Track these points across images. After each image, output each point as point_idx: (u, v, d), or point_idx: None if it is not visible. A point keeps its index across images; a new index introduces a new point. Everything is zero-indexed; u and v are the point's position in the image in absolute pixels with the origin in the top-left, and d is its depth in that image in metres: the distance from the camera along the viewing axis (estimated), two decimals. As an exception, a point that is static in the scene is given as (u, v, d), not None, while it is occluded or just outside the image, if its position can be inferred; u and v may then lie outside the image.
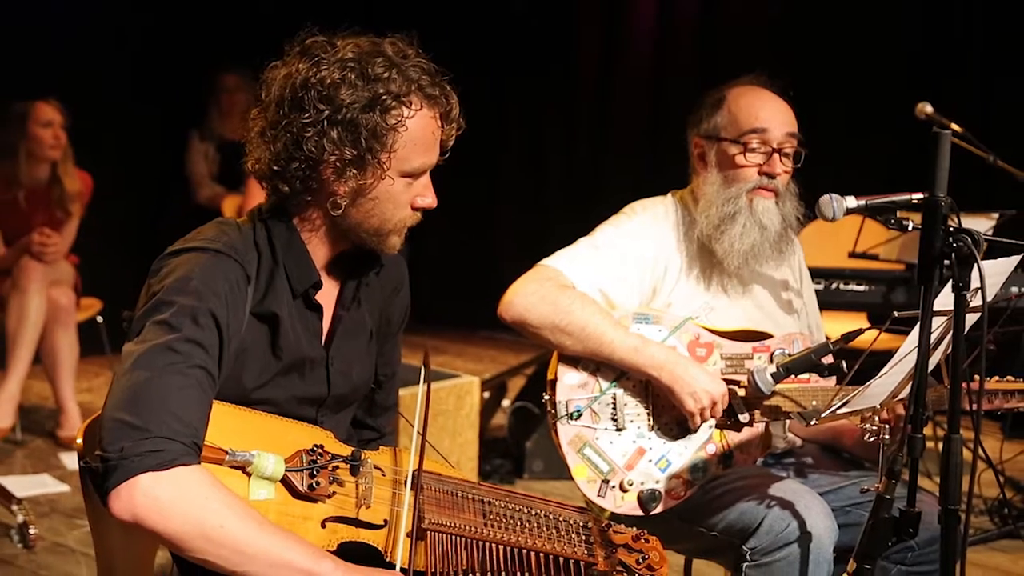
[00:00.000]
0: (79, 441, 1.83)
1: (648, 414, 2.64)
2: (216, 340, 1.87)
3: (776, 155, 2.72)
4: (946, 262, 1.88)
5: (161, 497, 1.72)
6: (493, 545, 2.05)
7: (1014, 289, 4.27)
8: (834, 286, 4.64)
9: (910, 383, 2.02)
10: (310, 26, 2.01)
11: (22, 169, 5.44)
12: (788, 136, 2.73)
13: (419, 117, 1.97)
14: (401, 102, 1.95)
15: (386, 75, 1.94)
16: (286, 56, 2.00)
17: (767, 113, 2.72)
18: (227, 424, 1.89)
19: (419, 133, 1.98)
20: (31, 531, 4.11)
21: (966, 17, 6.39)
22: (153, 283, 1.92)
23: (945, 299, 2.00)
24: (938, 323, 2.05)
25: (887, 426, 2.36)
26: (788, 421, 2.76)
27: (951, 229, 1.86)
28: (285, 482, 1.89)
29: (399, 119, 1.94)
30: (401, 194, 2.01)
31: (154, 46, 7.33)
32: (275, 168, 1.98)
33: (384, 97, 1.93)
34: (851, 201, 2.31)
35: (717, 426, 2.62)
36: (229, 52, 6.95)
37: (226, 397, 1.93)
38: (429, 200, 2.05)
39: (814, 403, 2.59)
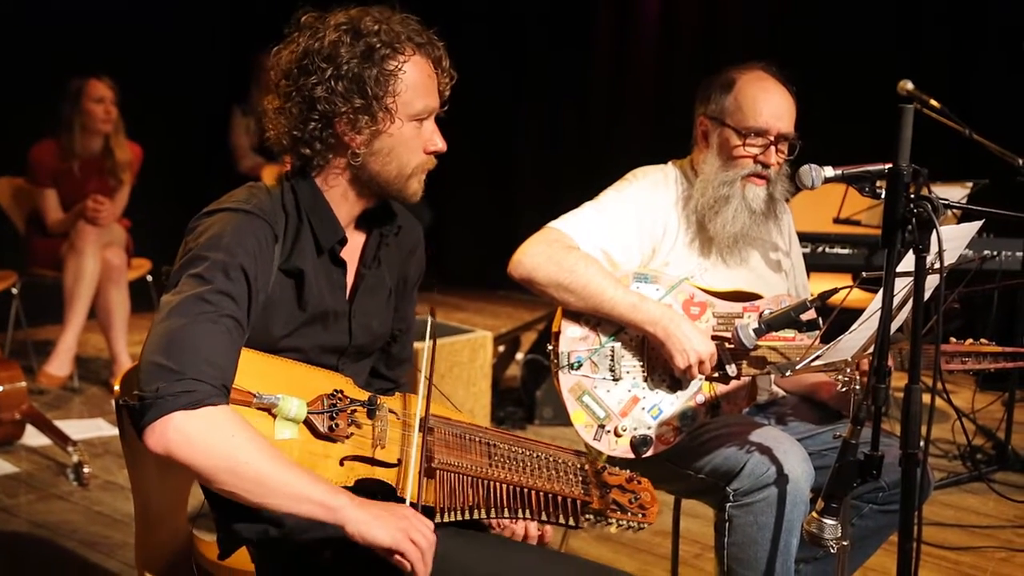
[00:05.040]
0: (116, 388, 1.86)
1: (643, 366, 2.66)
2: (245, 292, 1.90)
3: (772, 147, 2.72)
4: (908, 227, 1.89)
5: (191, 433, 1.75)
6: (497, 484, 2.07)
7: (985, 252, 4.28)
8: (820, 249, 4.65)
9: (878, 338, 2.03)
10: (303, 6, 2.05)
11: (76, 141, 5.50)
12: (786, 133, 2.72)
13: (413, 62, 2.01)
14: (395, 49, 1.99)
15: (376, 28, 1.99)
16: (285, 38, 2.05)
17: (771, 110, 2.70)
18: (255, 369, 1.92)
19: (417, 77, 2.02)
20: (85, 470, 4.19)
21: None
22: (189, 240, 1.96)
23: (910, 261, 2.01)
24: (904, 283, 2.06)
25: (858, 377, 2.38)
26: (773, 376, 2.78)
27: (912, 196, 1.87)
28: (307, 423, 1.92)
29: (395, 65, 1.99)
30: (412, 139, 2.04)
31: (199, 28, 7.35)
32: (295, 133, 2.01)
33: (378, 47, 1.98)
34: (828, 170, 2.33)
35: (706, 378, 2.65)
36: (268, 33, 6.96)
37: (255, 345, 1.96)
38: (439, 144, 2.08)
39: (796, 358, 2.61)
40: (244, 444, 1.78)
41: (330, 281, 2.08)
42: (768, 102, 2.71)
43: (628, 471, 2.26)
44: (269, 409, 1.89)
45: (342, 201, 2.08)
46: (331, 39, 1.98)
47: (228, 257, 1.89)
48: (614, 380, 2.64)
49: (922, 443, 1.95)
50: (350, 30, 1.98)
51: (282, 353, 2.01)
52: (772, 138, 2.71)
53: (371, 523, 1.80)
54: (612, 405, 2.63)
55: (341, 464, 1.94)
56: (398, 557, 1.81)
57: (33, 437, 4.57)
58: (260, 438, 1.82)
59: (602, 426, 2.62)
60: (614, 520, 2.19)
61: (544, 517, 2.10)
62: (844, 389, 2.39)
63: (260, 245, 1.95)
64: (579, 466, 2.21)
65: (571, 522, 2.11)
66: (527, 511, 2.09)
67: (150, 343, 1.82)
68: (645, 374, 2.66)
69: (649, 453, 2.62)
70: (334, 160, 2.05)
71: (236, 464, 1.77)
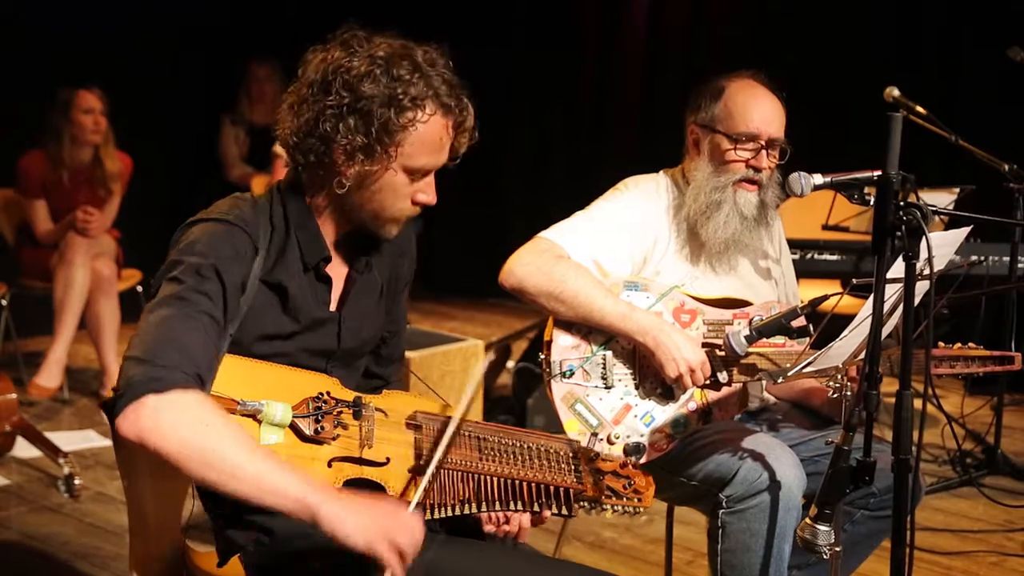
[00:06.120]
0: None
1: (635, 374, 2.66)
2: (219, 290, 1.91)
3: (764, 151, 2.72)
4: (898, 234, 1.89)
5: (162, 418, 1.74)
6: (488, 477, 2.06)
7: (973, 258, 4.29)
8: (810, 256, 4.66)
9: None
10: (352, 22, 2.02)
11: (66, 152, 5.47)
12: (776, 138, 2.73)
13: (432, 122, 1.98)
14: (417, 105, 1.96)
15: (408, 77, 1.95)
16: (328, 43, 2.02)
17: (761, 115, 2.71)
18: (240, 375, 1.92)
19: (429, 136, 1.99)
20: (76, 482, 4.15)
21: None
22: (171, 252, 1.97)
23: (900, 268, 2.01)
24: (893, 289, 2.07)
25: (849, 383, 2.38)
26: (765, 382, 2.78)
27: (902, 203, 1.88)
28: (293, 427, 1.92)
29: (411, 120, 1.96)
30: (402, 187, 2.02)
31: (189, 38, 7.33)
32: (295, 139, 2.01)
33: (401, 97, 1.94)
34: (818, 178, 2.33)
35: (698, 385, 2.65)
36: (258, 44, 6.97)
37: (240, 351, 1.96)
38: (429, 198, 2.06)
39: (787, 365, 2.61)
40: (216, 431, 1.75)
41: (316, 296, 2.09)
42: (758, 107, 2.72)
43: (621, 456, 2.26)
44: (254, 415, 1.89)
45: (328, 221, 2.09)
46: (361, 70, 1.95)
47: (200, 259, 1.91)
48: (606, 388, 2.64)
49: (914, 448, 1.95)
50: (384, 69, 1.95)
51: (268, 358, 2.01)
52: (763, 142, 2.72)
53: (345, 520, 1.73)
54: (604, 413, 2.63)
55: (329, 465, 1.94)
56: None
57: (23, 449, 4.54)
58: (234, 425, 1.80)
59: (595, 434, 2.61)
60: (609, 506, 2.18)
61: (537, 508, 2.10)
62: (836, 395, 2.39)
63: (236, 252, 1.96)
64: (571, 454, 2.20)
65: (564, 511, 2.11)
66: (519, 503, 2.08)
67: (128, 346, 1.83)
68: (637, 382, 2.66)
69: (642, 461, 2.61)
70: (323, 180, 2.05)
71: (208, 452, 1.73)
